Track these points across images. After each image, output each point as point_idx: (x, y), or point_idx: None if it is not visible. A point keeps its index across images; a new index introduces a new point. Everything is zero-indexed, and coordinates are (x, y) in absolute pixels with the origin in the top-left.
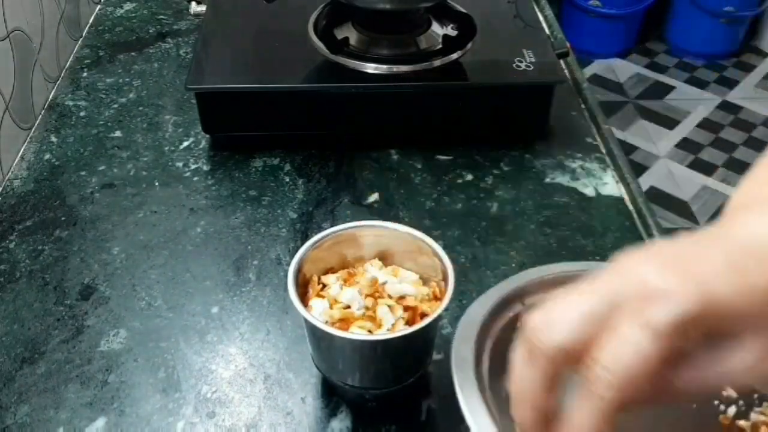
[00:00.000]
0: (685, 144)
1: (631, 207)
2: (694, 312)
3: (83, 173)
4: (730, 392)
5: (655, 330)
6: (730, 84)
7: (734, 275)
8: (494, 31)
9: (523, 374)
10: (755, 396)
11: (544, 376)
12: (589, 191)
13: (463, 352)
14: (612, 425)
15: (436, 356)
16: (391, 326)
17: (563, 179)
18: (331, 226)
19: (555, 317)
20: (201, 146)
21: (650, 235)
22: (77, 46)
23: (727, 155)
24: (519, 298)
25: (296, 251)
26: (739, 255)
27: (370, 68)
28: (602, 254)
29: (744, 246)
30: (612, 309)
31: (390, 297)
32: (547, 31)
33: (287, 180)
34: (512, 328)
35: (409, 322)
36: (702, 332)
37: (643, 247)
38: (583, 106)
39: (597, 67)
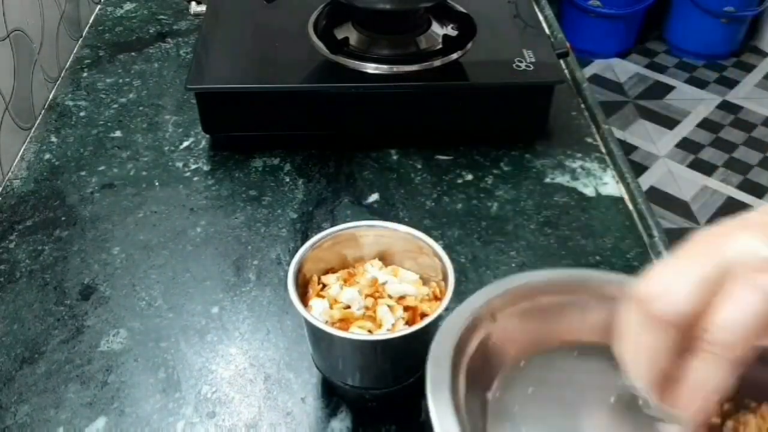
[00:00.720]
0: (685, 144)
1: (631, 207)
2: None
3: (83, 173)
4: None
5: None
6: (730, 84)
7: None
8: (494, 31)
9: (642, 340)
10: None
11: (666, 340)
12: (589, 191)
13: (439, 374)
14: (733, 381)
15: None
16: (391, 326)
17: (563, 179)
18: (331, 226)
19: (670, 284)
20: (201, 146)
21: (650, 236)
22: (77, 46)
23: (727, 155)
24: (490, 315)
25: (296, 251)
26: None
27: (370, 68)
28: (602, 254)
29: None
30: (724, 275)
31: (390, 297)
32: (547, 30)
33: (287, 180)
34: (485, 346)
35: (409, 322)
36: None
37: (734, 219)
38: (583, 106)
39: (597, 67)
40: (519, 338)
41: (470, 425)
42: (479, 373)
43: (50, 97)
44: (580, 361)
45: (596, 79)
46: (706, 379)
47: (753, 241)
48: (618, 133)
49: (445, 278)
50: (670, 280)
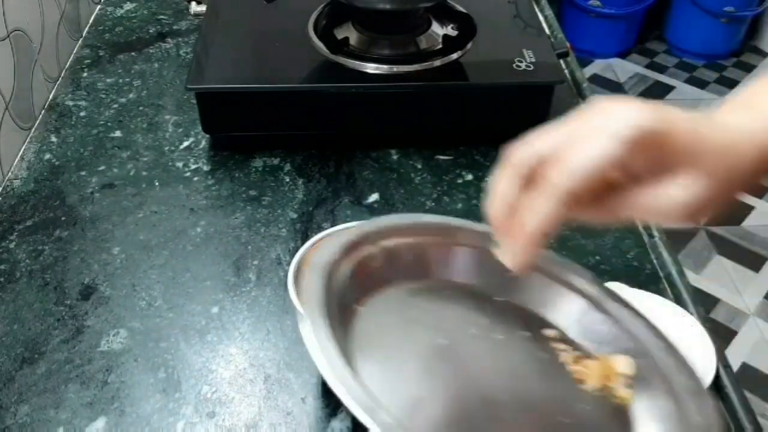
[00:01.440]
0: None
1: None
2: (650, 129)
3: (83, 173)
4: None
5: (615, 136)
6: (731, 84)
7: (691, 122)
8: (494, 31)
9: (500, 181)
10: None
11: (514, 176)
12: None
13: (314, 281)
14: (561, 216)
15: None
16: None
17: None
18: (331, 226)
19: (532, 139)
20: (201, 146)
21: (650, 236)
22: (77, 46)
23: None
24: (372, 241)
25: (296, 251)
26: (701, 118)
27: (370, 68)
28: (602, 254)
29: (709, 118)
30: (583, 129)
31: None
32: (547, 30)
33: (287, 180)
34: (364, 266)
35: None
36: (650, 156)
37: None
38: (583, 106)
39: (597, 66)
40: (395, 267)
41: (335, 325)
42: (354, 288)
43: (50, 97)
44: (447, 295)
45: (596, 79)
46: (539, 210)
47: (616, 105)
48: None
49: None
50: (533, 137)
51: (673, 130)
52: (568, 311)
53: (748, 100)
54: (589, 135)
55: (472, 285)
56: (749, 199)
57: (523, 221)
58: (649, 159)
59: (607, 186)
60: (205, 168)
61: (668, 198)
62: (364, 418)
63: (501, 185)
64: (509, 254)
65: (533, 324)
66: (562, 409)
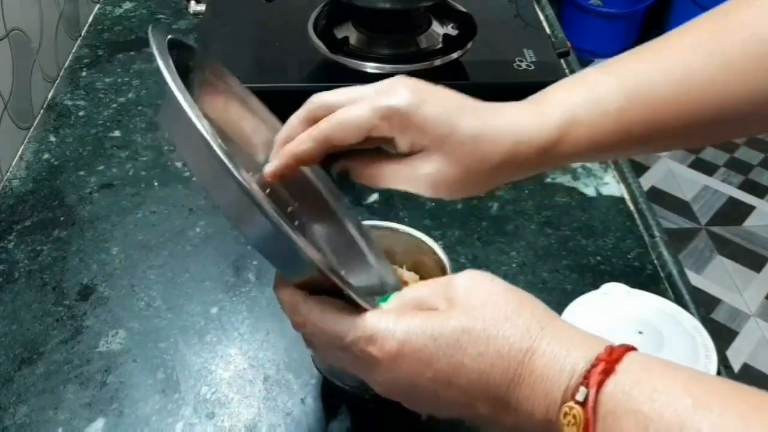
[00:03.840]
0: None
1: (631, 207)
2: (397, 107)
3: (82, 173)
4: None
5: (371, 107)
6: None
7: (450, 109)
8: (495, 31)
9: (293, 117)
10: None
11: (303, 115)
12: (590, 191)
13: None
14: (315, 151)
15: None
16: None
17: (564, 179)
18: None
19: (328, 93)
20: None
21: (651, 236)
22: (76, 46)
23: (728, 155)
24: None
25: None
26: (480, 107)
27: (370, 68)
28: (603, 254)
29: (492, 107)
30: (362, 93)
31: None
32: (547, 30)
33: None
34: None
35: None
36: (396, 128)
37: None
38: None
39: None
40: None
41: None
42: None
43: (49, 96)
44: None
45: None
46: (299, 139)
47: (393, 90)
48: None
49: None
50: (332, 92)
51: (421, 113)
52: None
53: (543, 96)
54: (362, 99)
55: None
56: (750, 199)
57: (286, 147)
58: (397, 131)
59: (383, 155)
60: None
61: (415, 169)
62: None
63: (291, 119)
64: (269, 165)
65: None
66: None
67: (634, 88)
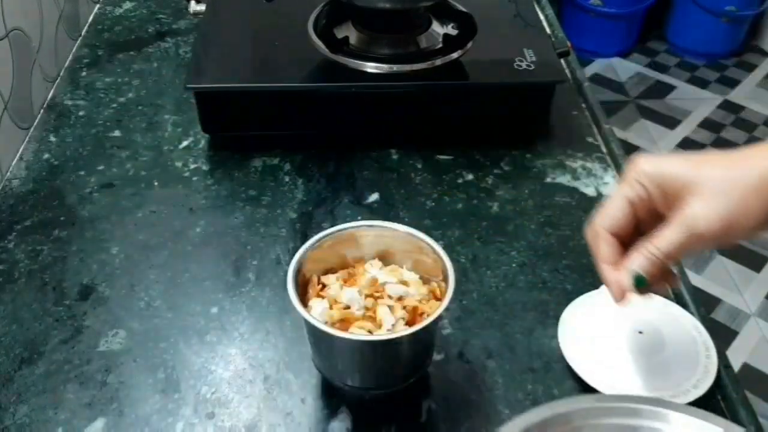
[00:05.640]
0: (686, 144)
1: None
2: (649, 169)
3: (82, 173)
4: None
5: (626, 180)
6: (732, 83)
7: (694, 161)
8: (495, 30)
9: (615, 193)
10: None
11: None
12: (590, 191)
13: None
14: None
15: (436, 356)
16: (391, 327)
17: (564, 179)
18: (331, 226)
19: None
20: (200, 146)
21: None
22: (76, 46)
23: None
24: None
25: (296, 251)
26: (724, 156)
27: (370, 67)
28: None
29: (738, 154)
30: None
31: (390, 297)
32: (547, 30)
33: (287, 180)
34: None
35: (409, 323)
36: (655, 187)
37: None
38: (583, 105)
39: (598, 66)
40: None
41: None
42: None
43: (49, 96)
44: None
45: (597, 79)
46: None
47: (636, 163)
48: (619, 133)
49: (445, 278)
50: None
51: (669, 164)
52: None
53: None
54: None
55: None
56: None
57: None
58: (656, 190)
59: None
60: (205, 168)
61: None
62: None
63: (615, 198)
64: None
65: None
66: None
67: None
